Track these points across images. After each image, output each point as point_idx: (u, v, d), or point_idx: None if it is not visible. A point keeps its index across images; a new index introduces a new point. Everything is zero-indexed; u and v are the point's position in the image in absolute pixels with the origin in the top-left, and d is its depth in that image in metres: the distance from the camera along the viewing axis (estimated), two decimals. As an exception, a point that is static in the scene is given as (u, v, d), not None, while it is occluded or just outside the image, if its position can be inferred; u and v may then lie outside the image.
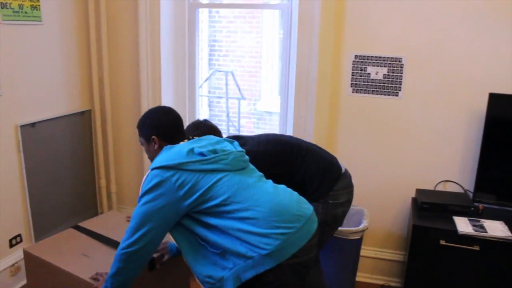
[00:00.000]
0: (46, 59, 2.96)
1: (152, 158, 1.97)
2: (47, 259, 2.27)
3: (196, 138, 1.97)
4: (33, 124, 2.88)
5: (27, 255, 2.37)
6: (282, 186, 1.92)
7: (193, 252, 1.83)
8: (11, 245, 2.83)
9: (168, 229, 1.81)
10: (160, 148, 1.93)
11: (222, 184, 1.77)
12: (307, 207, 1.87)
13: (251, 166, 1.97)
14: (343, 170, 2.42)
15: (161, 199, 1.74)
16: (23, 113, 2.82)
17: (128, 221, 2.17)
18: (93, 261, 2.28)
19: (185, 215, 1.78)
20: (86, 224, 2.65)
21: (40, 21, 2.86)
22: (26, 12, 2.75)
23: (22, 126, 2.80)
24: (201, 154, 1.80)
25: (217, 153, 1.82)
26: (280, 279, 1.71)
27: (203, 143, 1.90)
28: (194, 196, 1.74)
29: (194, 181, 1.75)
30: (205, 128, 2.36)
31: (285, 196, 1.85)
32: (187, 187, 1.74)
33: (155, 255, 2.22)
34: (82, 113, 3.32)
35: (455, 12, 2.59)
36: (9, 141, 2.75)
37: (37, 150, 2.95)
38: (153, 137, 1.95)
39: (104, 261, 2.27)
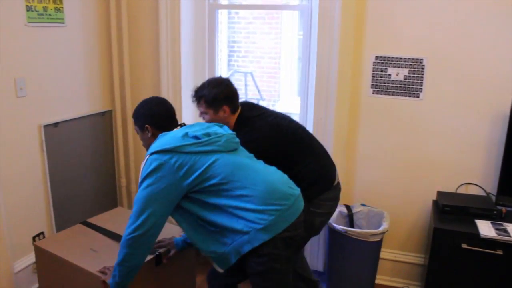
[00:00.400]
0: (69, 60, 3.01)
1: (146, 146, 2.10)
2: (57, 253, 2.34)
3: (187, 125, 2.09)
4: (56, 124, 2.93)
5: (38, 250, 2.44)
6: (273, 167, 2.07)
7: (195, 232, 1.96)
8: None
9: (170, 210, 1.91)
10: (154, 136, 2.04)
11: (219, 165, 1.88)
12: (295, 188, 2.04)
13: (241, 147, 2.09)
14: (335, 182, 2.44)
15: (162, 181, 1.83)
16: (46, 113, 2.87)
17: None
18: (100, 255, 2.34)
19: (184, 197, 1.89)
20: (94, 220, 2.71)
21: (63, 22, 2.91)
22: (50, 15, 2.79)
23: (45, 126, 2.84)
24: (195, 137, 1.92)
25: (210, 135, 1.93)
26: (274, 252, 1.87)
27: (195, 128, 2.01)
28: (194, 176, 1.84)
29: (192, 162, 1.85)
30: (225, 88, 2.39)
31: (277, 176, 2.02)
32: (185, 167, 1.84)
33: (161, 250, 2.29)
34: (103, 113, 3.36)
35: (477, 12, 2.56)
36: (33, 140, 2.80)
37: (60, 150, 2.99)
38: (146, 125, 2.07)
39: (111, 256, 2.32)
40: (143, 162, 1.90)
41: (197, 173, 1.85)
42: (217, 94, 2.30)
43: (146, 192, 1.85)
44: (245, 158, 2.01)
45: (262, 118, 2.39)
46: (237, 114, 2.40)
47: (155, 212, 1.85)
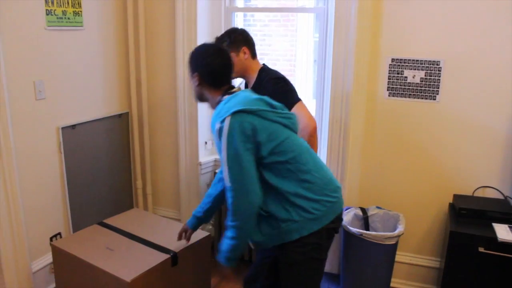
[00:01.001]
0: (87, 63, 3.05)
1: (196, 96, 2.04)
2: (73, 252, 2.39)
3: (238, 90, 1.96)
4: (73, 126, 2.97)
5: (55, 249, 2.49)
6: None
7: None
8: (52, 243, 2.93)
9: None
10: (201, 86, 1.97)
11: (291, 142, 1.84)
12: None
13: None
14: None
15: (248, 143, 1.75)
16: (64, 115, 2.91)
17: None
18: (116, 254, 2.38)
19: None
20: (111, 220, 2.76)
21: (82, 26, 2.95)
22: (69, 18, 2.83)
23: (63, 128, 2.88)
24: (271, 105, 1.87)
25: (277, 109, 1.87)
26: (318, 242, 1.88)
27: (253, 96, 1.92)
28: (271, 145, 1.78)
29: (272, 130, 1.79)
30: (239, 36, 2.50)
31: (327, 168, 1.99)
32: (266, 133, 1.77)
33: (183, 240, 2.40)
34: (120, 115, 3.40)
35: (494, 14, 2.53)
36: (51, 142, 2.84)
37: (77, 151, 3.03)
38: (195, 74, 1.98)
39: (127, 255, 2.38)
40: (221, 121, 1.77)
41: (274, 144, 1.79)
42: (236, 36, 2.46)
43: (235, 153, 1.75)
44: (305, 142, 1.97)
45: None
46: (257, 62, 2.53)
47: (250, 172, 1.77)
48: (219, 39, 2.48)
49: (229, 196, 1.80)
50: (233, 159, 1.74)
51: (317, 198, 1.84)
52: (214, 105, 1.97)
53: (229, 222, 1.84)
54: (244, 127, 1.74)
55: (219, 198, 2.26)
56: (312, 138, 2.34)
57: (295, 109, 2.33)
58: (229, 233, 1.86)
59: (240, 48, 2.45)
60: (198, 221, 2.35)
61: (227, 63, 1.98)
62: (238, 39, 2.46)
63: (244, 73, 2.51)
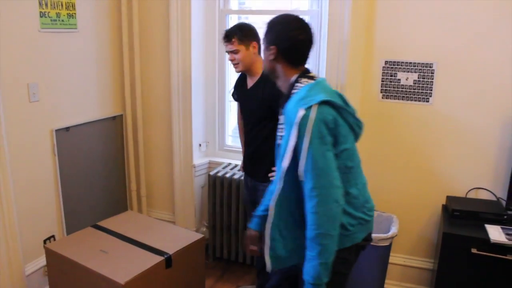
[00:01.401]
0: (81, 65, 3.04)
1: (267, 70, 1.85)
2: (67, 255, 2.38)
3: (320, 78, 1.79)
4: (67, 129, 2.96)
5: (49, 252, 2.48)
6: None
7: (281, 215, 1.72)
8: (45, 246, 2.92)
9: None
10: (275, 61, 1.78)
11: (354, 151, 1.75)
12: None
13: None
14: None
15: (329, 136, 1.61)
16: (58, 117, 2.91)
17: None
18: (110, 256, 2.37)
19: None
20: (105, 223, 2.75)
21: (76, 28, 2.95)
22: (63, 20, 2.83)
23: (57, 131, 2.88)
24: (345, 102, 1.73)
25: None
26: (345, 257, 1.76)
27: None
28: (341, 147, 1.65)
29: (345, 132, 1.67)
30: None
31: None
32: (342, 133, 1.65)
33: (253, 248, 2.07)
34: (114, 118, 3.39)
35: (488, 17, 2.55)
36: (45, 145, 2.84)
37: (71, 154, 3.02)
38: (273, 46, 1.77)
39: (121, 257, 2.36)
40: (305, 109, 1.58)
41: (342, 147, 1.65)
42: (247, 30, 2.52)
43: (319, 145, 1.58)
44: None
45: None
46: (261, 60, 2.55)
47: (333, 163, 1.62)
48: (230, 31, 2.51)
49: (312, 195, 1.60)
50: (318, 149, 1.58)
51: (356, 214, 1.74)
52: (285, 85, 1.82)
53: (311, 233, 1.61)
54: (328, 120, 1.59)
55: None
56: None
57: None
58: (313, 251, 1.61)
59: (250, 42, 2.51)
60: (263, 220, 2.02)
61: (311, 40, 1.78)
62: (249, 34, 2.53)
63: (249, 67, 2.57)
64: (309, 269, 1.62)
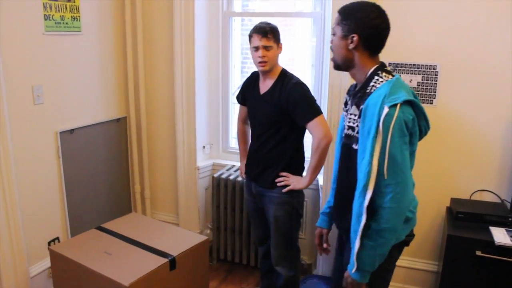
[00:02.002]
0: (85, 67, 3.05)
1: (341, 60, 1.79)
2: (72, 257, 2.39)
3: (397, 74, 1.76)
4: (71, 131, 2.97)
5: (53, 254, 2.48)
6: None
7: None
8: (50, 248, 2.93)
9: None
10: (355, 50, 1.73)
11: (414, 154, 1.77)
12: None
13: None
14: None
15: (407, 137, 1.64)
16: (62, 120, 2.91)
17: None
18: (115, 258, 2.37)
19: None
20: (109, 225, 2.75)
21: (80, 31, 2.96)
22: (67, 23, 2.84)
23: (61, 133, 2.89)
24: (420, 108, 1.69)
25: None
26: (391, 254, 1.77)
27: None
28: (412, 148, 1.70)
29: (416, 134, 1.69)
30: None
31: None
32: (415, 134, 1.68)
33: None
34: (118, 120, 3.40)
35: (492, 18, 2.55)
36: (49, 147, 2.85)
37: (75, 156, 3.03)
38: (354, 35, 1.71)
39: (125, 258, 2.37)
40: (389, 107, 1.59)
41: (413, 148, 1.70)
42: (277, 30, 2.50)
43: (400, 142, 1.61)
44: None
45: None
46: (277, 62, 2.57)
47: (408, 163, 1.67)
48: (266, 27, 2.45)
49: (388, 191, 1.62)
50: (398, 147, 1.60)
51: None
52: (360, 76, 1.78)
53: (378, 226, 1.66)
54: (408, 120, 1.61)
55: None
56: (324, 152, 2.42)
57: (316, 120, 2.39)
58: (374, 242, 1.68)
59: (279, 42, 2.50)
60: (329, 217, 2.14)
61: (389, 29, 1.76)
62: (279, 34, 2.50)
63: (273, 66, 2.53)
64: (366, 257, 1.70)
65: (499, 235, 2.36)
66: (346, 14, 1.73)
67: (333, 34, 1.80)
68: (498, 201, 2.71)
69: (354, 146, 1.78)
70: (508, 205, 2.62)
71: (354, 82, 1.90)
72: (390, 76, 1.73)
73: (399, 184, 1.62)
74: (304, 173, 2.59)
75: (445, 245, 2.47)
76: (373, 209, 1.67)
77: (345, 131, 1.88)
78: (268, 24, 2.49)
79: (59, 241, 2.96)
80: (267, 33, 2.44)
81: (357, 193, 1.70)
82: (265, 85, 2.55)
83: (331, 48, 1.84)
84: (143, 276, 2.23)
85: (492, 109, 2.64)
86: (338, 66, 1.84)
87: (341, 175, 1.98)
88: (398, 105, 1.58)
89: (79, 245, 2.52)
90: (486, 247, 2.33)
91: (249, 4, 3.49)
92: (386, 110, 1.58)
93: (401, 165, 1.62)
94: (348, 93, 1.93)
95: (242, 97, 2.75)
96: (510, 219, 2.48)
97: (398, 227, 1.69)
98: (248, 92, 2.68)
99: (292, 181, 2.52)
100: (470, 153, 2.74)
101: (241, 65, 3.51)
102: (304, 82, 2.50)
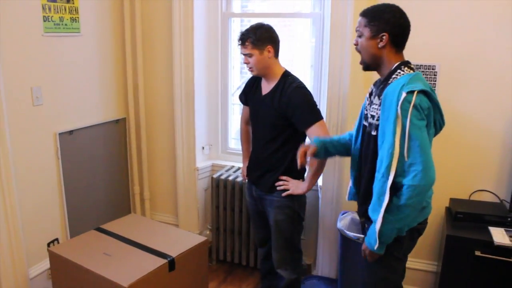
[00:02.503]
0: (84, 69, 3.06)
1: (369, 59, 1.92)
2: (71, 258, 2.39)
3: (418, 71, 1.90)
4: (70, 132, 2.97)
5: (52, 255, 2.49)
6: None
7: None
8: (49, 249, 2.93)
9: None
10: (383, 49, 1.87)
11: (431, 142, 1.85)
12: None
13: None
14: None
15: (425, 121, 1.76)
16: (61, 121, 2.92)
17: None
18: (114, 259, 2.37)
19: None
20: (108, 226, 2.76)
21: (79, 32, 2.96)
22: (66, 25, 2.85)
23: (60, 134, 2.89)
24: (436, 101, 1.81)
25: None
26: (398, 239, 1.87)
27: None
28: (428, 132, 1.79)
29: (430, 124, 1.80)
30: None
31: None
32: (429, 123, 1.79)
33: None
34: (117, 121, 3.40)
35: (491, 18, 2.55)
36: (48, 148, 2.85)
37: (74, 157, 3.03)
38: (384, 34, 1.86)
39: (125, 259, 2.37)
40: (407, 92, 1.71)
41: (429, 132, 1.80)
42: (262, 34, 2.40)
43: (422, 133, 1.74)
44: None
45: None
46: (278, 63, 2.51)
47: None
48: (244, 34, 2.42)
49: (411, 170, 1.72)
50: (417, 129, 1.71)
51: None
52: (386, 72, 1.91)
53: (400, 201, 1.75)
54: (424, 107, 1.73)
55: (348, 147, 2.23)
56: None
57: (316, 126, 2.36)
58: (395, 216, 1.77)
59: (264, 46, 2.40)
60: (323, 144, 2.21)
61: (410, 26, 1.91)
62: (264, 37, 2.40)
63: (264, 71, 2.48)
64: (384, 230, 1.81)
65: (498, 235, 2.36)
66: (373, 16, 1.87)
67: (359, 36, 1.93)
68: (497, 201, 2.71)
69: (373, 133, 1.90)
70: (507, 205, 2.62)
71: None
72: (411, 71, 1.87)
73: (421, 163, 1.71)
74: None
75: (444, 245, 2.47)
76: (395, 188, 1.77)
77: (368, 120, 1.98)
78: (253, 28, 2.42)
79: (58, 242, 2.97)
80: (244, 40, 2.41)
81: (379, 174, 1.80)
82: (267, 87, 2.52)
83: (358, 50, 1.96)
84: (142, 277, 2.23)
85: (491, 109, 2.65)
86: (367, 67, 1.97)
87: (364, 162, 2.04)
88: (415, 92, 1.71)
89: (78, 246, 2.53)
90: (485, 247, 2.33)
91: (248, 5, 3.49)
92: (404, 95, 1.71)
93: (422, 145, 1.71)
94: (375, 84, 2.04)
95: (245, 98, 2.72)
96: (509, 219, 2.48)
97: (418, 206, 1.78)
98: (250, 93, 2.65)
99: (291, 186, 2.49)
100: (469, 154, 2.74)
101: (240, 66, 3.52)
102: (306, 86, 2.46)
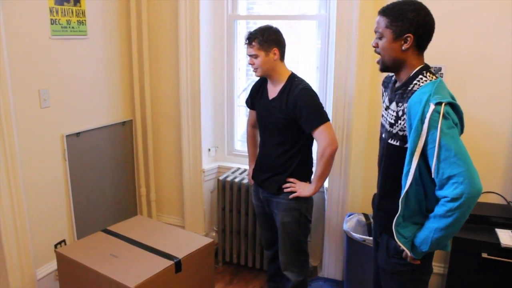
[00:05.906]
0: (91, 71, 3.08)
1: (391, 60, 1.77)
2: (78, 259, 2.40)
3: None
4: (77, 134, 2.99)
5: (59, 256, 2.50)
6: None
7: (411, 203, 1.76)
8: (56, 251, 2.95)
9: None
10: (406, 50, 1.73)
11: None
12: None
13: None
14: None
15: (456, 128, 1.64)
16: (68, 123, 2.93)
17: None
18: (121, 260, 2.38)
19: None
20: (115, 227, 2.77)
21: (86, 35, 2.98)
22: (73, 27, 2.87)
23: (67, 136, 2.91)
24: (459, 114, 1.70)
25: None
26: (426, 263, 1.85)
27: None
28: None
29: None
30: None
31: None
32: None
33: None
34: (124, 123, 3.42)
35: (496, 20, 2.54)
36: (56, 150, 2.87)
37: (81, 159, 3.05)
38: (409, 35, 1.70)
39: (132, 261, 2.38)
40: (435, 104, 1.59)
41: None
42: (269, 36, 2.40)
43: (459, 142, 1.61)
44: None
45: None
46: (284, 65, 2.51)
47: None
48: (252, 34, 2.42)
49: (451, 182, 1.59)
50: (451, 138, 1.58)
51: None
52: (405, 75, 1.78)
53: (451, 208, 1.62)
54: (453, 118, 1.62)
55: None
56: (329, 160, 2.40)
57: (323, 128, 2.36)
58: (442, 223, 1.65)
59: (271, 48, 2.41)
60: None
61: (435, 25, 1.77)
62: (271, 39, 2.41)
63: (269, 72, 2.48)
64: (434, 238, 1.68)
65: (505, 237, 2.35)
66: (395, 16, 1.70)
67: (379, 38, 1.78)
68: (504, 203, 2.70)
69: (391, 141, 1.81)
70: (514, 207, 2.61)
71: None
72: (434, 77, 1.74)
73: (462, 174, 1.58)
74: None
75: (451, 247, 2.46)
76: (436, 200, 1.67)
77: (385, 126, 1.87)
78: (261, 30, 2.43)
79: (65, 244, 2.98)
80: (250, 40, 2.42)
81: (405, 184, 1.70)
82: (273, 90, 2.52)
83: (377, 52, 1.82)
84: (149, 278, 2.24)
85: (497, 110, 2.64)
86: (386, 68, 1.83)
87: (379, 163, 1.97)
88: (444, 104, 1.58)
89: (85, 248, 2.54)
90: (492, 249, 2.33)
91: (254, 7, 3.50)
92: (432, 107, 1.58)
93: (459, 154, 1.58)
94: (383, 84, 1.97)
95: (251, 102, 2.72)
96: (516, 221, 2.47)
97: (466, 216, 1.65)
98: (257, 97, 2.64)
99: (298, 188, 2.49)
100: (476, 155, 2.71)
101: (246, 68, 3.52)
102: (312, 88, 2.46)
